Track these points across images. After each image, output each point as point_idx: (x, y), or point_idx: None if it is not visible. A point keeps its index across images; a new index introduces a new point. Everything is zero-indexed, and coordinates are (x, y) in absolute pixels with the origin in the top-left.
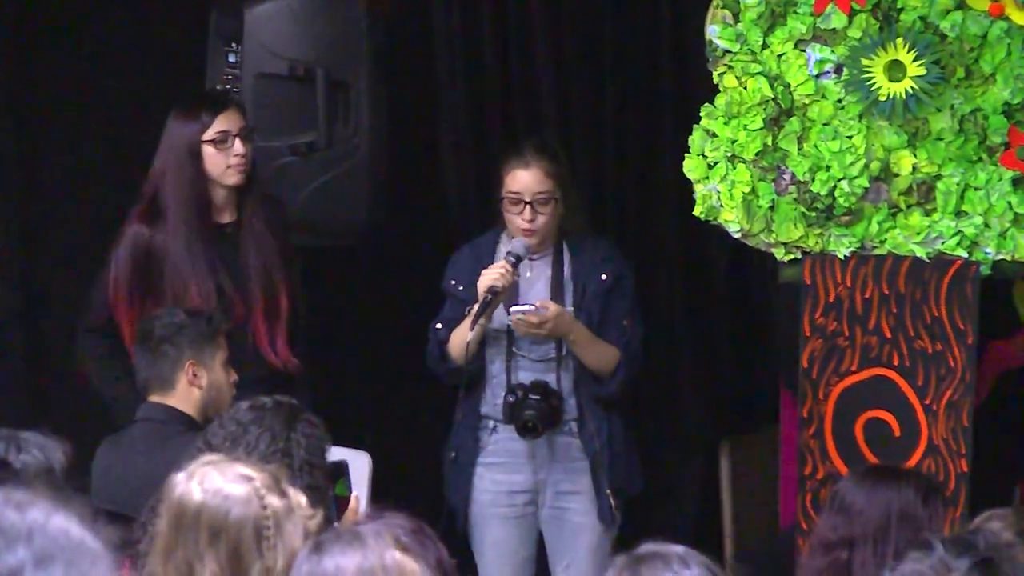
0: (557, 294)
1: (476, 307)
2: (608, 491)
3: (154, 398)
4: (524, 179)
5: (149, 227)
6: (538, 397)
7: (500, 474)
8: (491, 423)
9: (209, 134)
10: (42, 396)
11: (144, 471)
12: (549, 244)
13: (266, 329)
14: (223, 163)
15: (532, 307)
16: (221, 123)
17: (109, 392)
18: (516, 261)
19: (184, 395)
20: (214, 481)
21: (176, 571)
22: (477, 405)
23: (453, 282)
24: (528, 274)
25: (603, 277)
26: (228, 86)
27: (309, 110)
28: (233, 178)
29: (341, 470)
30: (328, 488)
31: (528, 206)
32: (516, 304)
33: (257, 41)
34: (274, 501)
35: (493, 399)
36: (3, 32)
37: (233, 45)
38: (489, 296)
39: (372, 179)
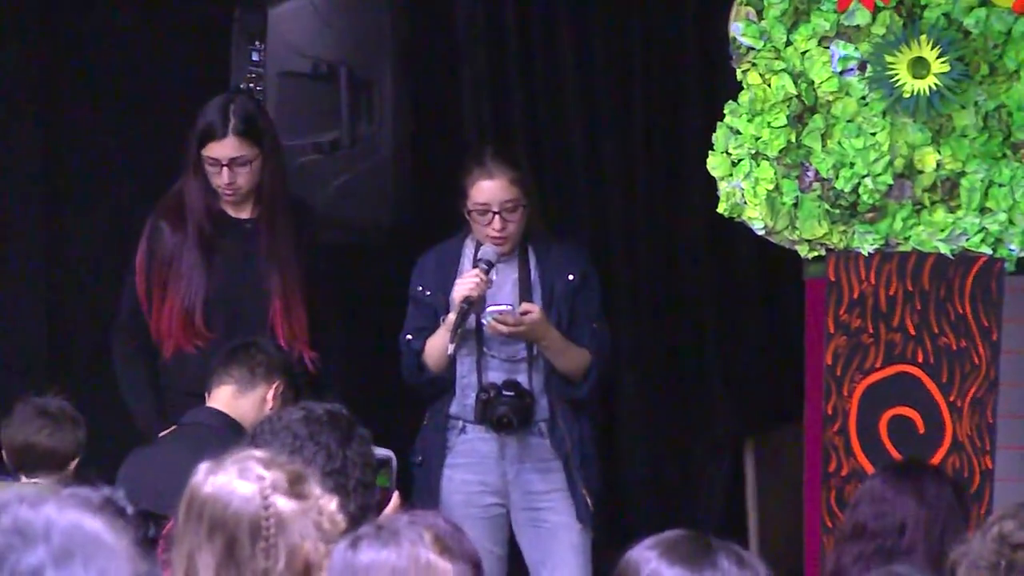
0: (525, 296)
1: (453, 317)
2: (584, 491)
3: (219, 393)
4: (490, 189)
5: (166, 220)
6: (511, 394)
7: (469, 474)
8: (460, 423)
9: (203, 155)
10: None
11: (186, 471)
12: (515, 247)
13: (284, 325)
14: (217, 183)
15: (509, 307)
16: (212, 151)
17: (131, 400)
18: (488, 267)
19: (252, 402)
20: (225, 476)
21: (181, 559)
22: (445, 407)
23: (420, 288)
24: (495, 277)
25: (570, 277)
26: (252, 85)
27: (333, 108)
28: (225, 199)
29: (384, 463)
30: (376, 507)
31: (497, 216)
32: (490, 307)
33: (281, 39)
34: (281, 502)
35: (462, 399)
36: (28, 33)
37: (257, 43)
38: (466, 306)
39: (396, 177)
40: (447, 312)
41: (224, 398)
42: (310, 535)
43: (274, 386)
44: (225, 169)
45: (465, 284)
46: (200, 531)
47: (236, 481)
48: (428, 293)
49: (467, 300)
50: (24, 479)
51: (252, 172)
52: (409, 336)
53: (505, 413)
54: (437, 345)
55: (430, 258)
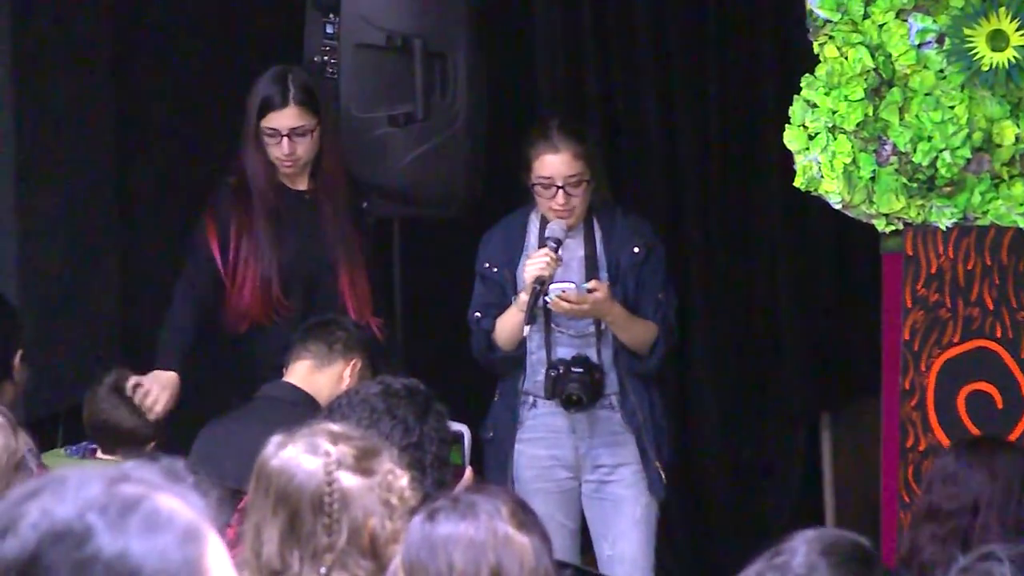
0: (592, 272)
1: (525, 298)
2: (657, 463)
3: (296, 368)
4: (554, 164)
5: (232, 195)
6: (581, 370)
7: (540, 449)
8: (530, 399)
9: (262, 127)
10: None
11: (258, 445)
12: (579, 221)
13: (351, 295)
14: (276, 154)
15: (572, 285)
16: (271, 121)
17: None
18: (557, 246)
19: (328, 378)
20: (293, 449)
21: (250, 531)
22: (516, 382)
23: (487, 264)
24: (563, 255)
25: (635, 250)
26: (325, 57)
27: (407, 81)
28: (283, 170)
29: (456, 438)
30: (451, 483)
31: (560, 190)
32: (553, 283)
33: (355, 12)
34: (345, 478)
35: (533, 376)
36: (101, 7)
37: (331, 16)
38: (538, 287)
39: (470, 150)
40: (514, 287)
41: (301, 373)
42: (376, 511)
43: (351, 363)
44: (285, 139)
45: (536, 264)
46: (266, 504)
47: (302, 456)
48: (495, 269)
49: (539, 280)
50: (101, 455)
51: (312, 142)
52: (478, 314)
53: (575, 391)
54: (507, 324)
55: (495, 233)
